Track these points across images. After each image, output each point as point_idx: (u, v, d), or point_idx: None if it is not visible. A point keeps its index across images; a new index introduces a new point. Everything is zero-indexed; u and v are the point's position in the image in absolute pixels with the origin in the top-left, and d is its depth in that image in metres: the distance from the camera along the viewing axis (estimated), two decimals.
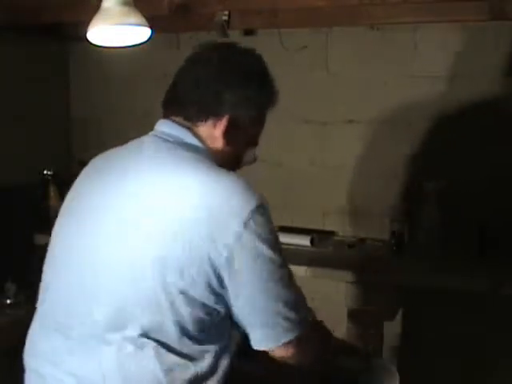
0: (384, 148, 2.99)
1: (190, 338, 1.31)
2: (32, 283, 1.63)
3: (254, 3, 2.65)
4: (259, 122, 1.52)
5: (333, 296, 3.00)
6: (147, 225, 1.30)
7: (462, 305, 2.81)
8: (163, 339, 1.29)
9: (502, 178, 2.81)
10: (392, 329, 2.79)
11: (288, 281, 1.38)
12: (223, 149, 1.45)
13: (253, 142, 1.55)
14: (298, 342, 1.39)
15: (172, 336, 1.29)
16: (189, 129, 1.43)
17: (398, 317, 2.89)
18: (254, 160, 1.58)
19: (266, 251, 1.32)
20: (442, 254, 2.70)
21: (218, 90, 1.42)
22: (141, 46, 2.19)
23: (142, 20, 2.04)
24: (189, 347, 1.31)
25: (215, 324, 1.35)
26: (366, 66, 3.01)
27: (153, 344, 1.29)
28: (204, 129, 1.44)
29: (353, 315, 2.22)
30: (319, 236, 2.98)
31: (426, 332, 2.99)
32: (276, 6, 2.66)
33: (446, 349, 2.97)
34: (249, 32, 3.19)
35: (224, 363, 1.38)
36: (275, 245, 1.35)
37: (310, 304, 1.56)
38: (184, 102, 1.45)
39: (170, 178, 1.33)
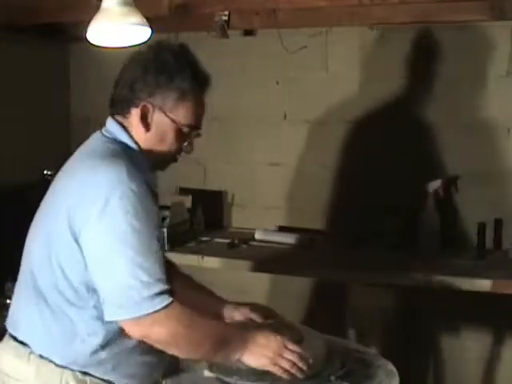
0: (384, 148, 2.99)
1: (63, 297, 1.51)
2: None
3: (254, 3, 2.65)
4: (184, 106, 1.58)
5: (333, 296, 3.00)
6: (48, 206, 1.61)
7: (462, 304, 2.81)
8: (45, 293, 1.54)
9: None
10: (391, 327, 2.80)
11: (146, 259, 1.43)
12: (147, 136, 1.59)
13: (191, 129, 1.61)
14: (153, 320, 1.42)
15: (49, 290, 1.53)
16: (121, 124, 1.61)
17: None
18: (189, 151, 1.66)
19: (121, 230, 1.43)
20: (442, 254, 2.71)
21: (131, 82, 1.58)
22: (140, 46, 2.19)
23: (142, 20, 2.04)
24: (61, 304, 1.51)
25: (82, 292, 1.49)
26: (366, 66, 3.01)
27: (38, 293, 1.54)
28: (131, 120, 1.60)
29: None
30: (319, 236, 2.98)
31: (426, 331, 2.99)
32: (276, 6, 2.66)
33: (446, 348, 2.97)
34: (249, 32, 3.19)
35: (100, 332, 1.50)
36: (135, 227, 1.43)
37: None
38: (114, 100, 1.65)
39: (76, 167, 1.58)
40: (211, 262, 2.80)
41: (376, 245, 2.87)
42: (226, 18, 2.80)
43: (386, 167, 2.99)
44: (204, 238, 3.04)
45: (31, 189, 3.17)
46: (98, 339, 1.51)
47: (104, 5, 2.02)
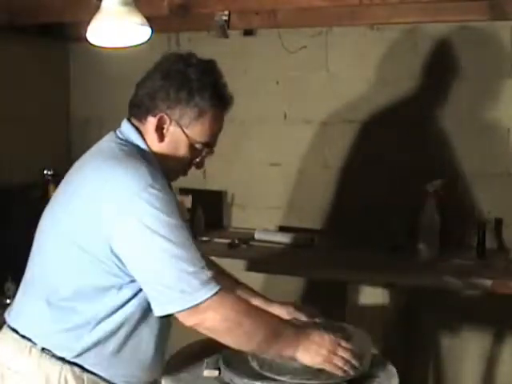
0: (384, 148, 2.99)
1: (78, 294, 1.52)
2: None
3: (254, 3, 2.65)
4: (200, 125, 1.60)
5: (333, 296, 3.00)
6: (62, 208, 1.58)
7: (462, 304, 2.81)
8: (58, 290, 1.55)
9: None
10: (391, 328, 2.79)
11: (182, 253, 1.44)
12: (160, 145, 1.61)
13: (204, 145, 1.64)
14: (206, 307, 1.43)
15: (63, 287, 1.54)
16: (136, 127, 1.63)
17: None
18: (199, 167, 1.69)
19: (154, 227, 1.44)
20: (442, 254, 2.71)
21: (152, 91, 1.60)
22: (141, 46, 2.19)
23: (142, 20, 2.04)
24: (73, 301, 1.53)
25: (88, 289, 1.52)
26: (366, 66, 3.01)
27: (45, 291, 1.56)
28: (146, 126, 1.61)
29: None
30: (319, 236, 2.98)
31: (426, 331, 2.99)
32: (276, 6, 2.66)
33: (447, 348, 2.97)
34: (249, 32, 3.19)
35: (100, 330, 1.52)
36: (160, 224, 1.45)
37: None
38: (133, 104, 1.65)
39: (93, 167, 1.59)
40: None
41: (376, 245, 2.87)
42: (226, 17, 2.80)
43: (386, 167, 2.99)
44: (204, 238, 3.03)
45: (31, 189, 3.18)
46: (101, 335, 1.53)
47: (104, 5, 2.03)
